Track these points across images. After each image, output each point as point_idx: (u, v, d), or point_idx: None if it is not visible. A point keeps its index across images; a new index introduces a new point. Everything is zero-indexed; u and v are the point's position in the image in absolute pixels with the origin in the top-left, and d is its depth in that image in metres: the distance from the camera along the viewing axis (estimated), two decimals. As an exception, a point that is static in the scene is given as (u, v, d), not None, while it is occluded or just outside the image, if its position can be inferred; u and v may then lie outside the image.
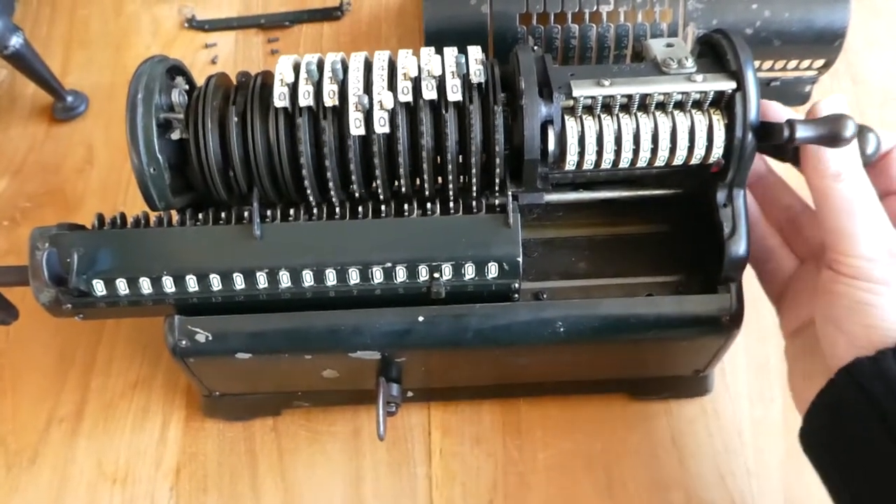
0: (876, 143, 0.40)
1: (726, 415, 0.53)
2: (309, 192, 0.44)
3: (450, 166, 0.43)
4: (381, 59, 0.44)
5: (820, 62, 0.60)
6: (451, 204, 0.44)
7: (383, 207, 0.44)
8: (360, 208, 0.44)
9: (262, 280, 0.43)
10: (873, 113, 0.65)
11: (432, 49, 0.44)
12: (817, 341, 0.40)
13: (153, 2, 0.74)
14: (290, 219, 0.44)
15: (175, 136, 0.44)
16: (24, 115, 0.69)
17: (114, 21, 0.74)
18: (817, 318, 0.40)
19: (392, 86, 0.43)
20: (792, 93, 0.63)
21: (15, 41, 0.61)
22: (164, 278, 0.43)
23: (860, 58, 0.67)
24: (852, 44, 0.64)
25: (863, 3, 0.66)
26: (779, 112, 0.42)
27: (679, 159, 0.42)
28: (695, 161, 0.43)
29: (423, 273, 0.43)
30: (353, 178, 0.43)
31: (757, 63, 0.59)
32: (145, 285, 0.43)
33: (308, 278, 0.43)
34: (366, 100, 0.42)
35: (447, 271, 0.43)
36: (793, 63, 0.60)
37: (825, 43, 0.59)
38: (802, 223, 0.45)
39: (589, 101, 0.41)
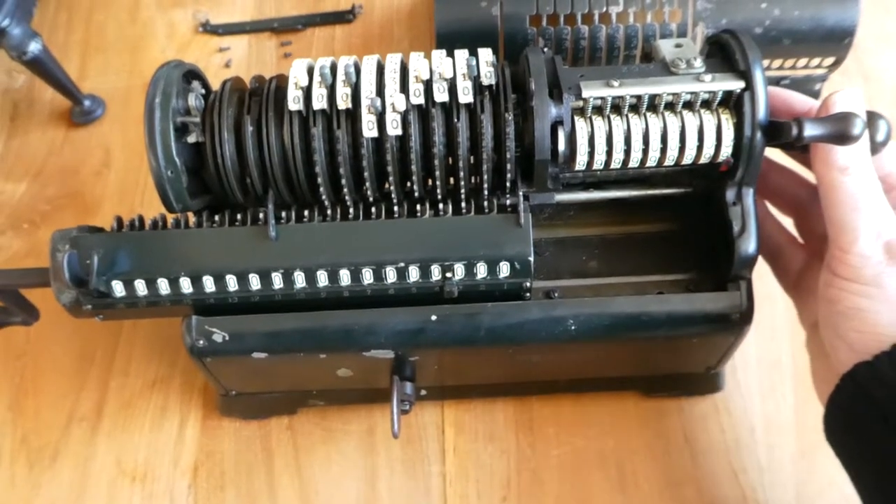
0: (886, 131, 0.40)
1: (738, 412, 0.54)
2: (323, 193, 0.44)
3: (461, 167, 0.43)
4: (392, 62, 0.44)
5: (830, 60, 0.60)
6: (463, 204, 0.44)
7: (396, 208, 0.45)
8: (373, 209, 0.45)
9: (277, 280, 0.44)
10: (884, 111, 0.64)
11: (443, 52, 0.45)
12: None
13: (168, 6, 0.75)
14: (305, 220, 0.45)
15: (192, 139, 0.44)
16: (42, 119, 0.70)
17: (129, 26, 0.75)
18: (819, 322, 0.41)
19: (404, 88, 0.43)
20: (802, 91, 0.62)
21: (34, 47, 0.62)
22: (181, 279, 0.44)
23: (871, 55, 0.67)
24: (862, 41, 0.64)
25: (873, 0, 0.66)
26: (796, 101, 0.43)
27: (688, 159, 0.43)
28: (704, 160, 0.43)
29: (436, 273, 0.43)
30: (367, 179, 0.44)
31: (766, 62, 0.60)
32: (163, 286, 0.44)
33: (322, 278, 0.44)
34: (378, 102, 0.42)
35: (459, 271, 0.43)
36: (802, 61, 0.60)
37: (835, 41, 0.59)
38: (811, 213, 0.45)
39: (598, 102, 0.42)
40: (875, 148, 0.40)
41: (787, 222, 0.48)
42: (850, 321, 0.38)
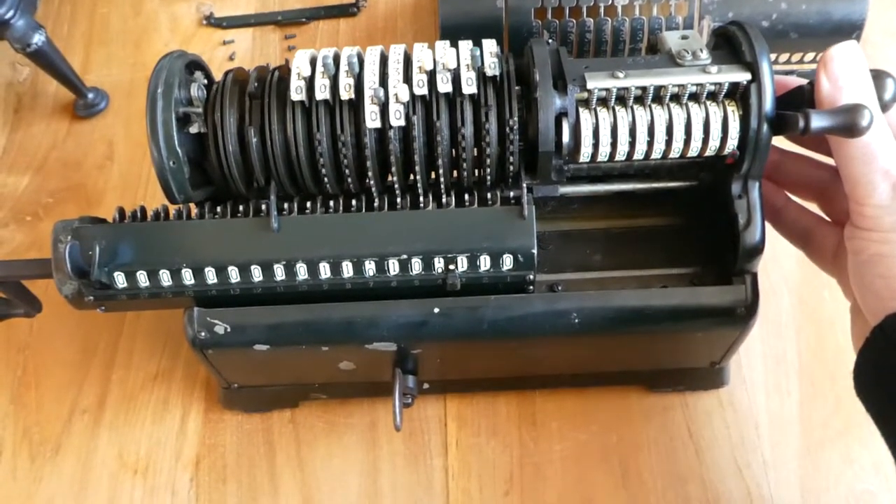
0: (894, 89, 0.40)
1: (743, 407, 0.53)
2: (326, 184, 0.44)
3: (465, 158, 0.43)
4: (396, 53, 0.44)
5: (837, 54, 0.60)
6: (467, 196, 0.44)
7: (399, 200, 0.44)
8: (376, 201, 0.44)
9: (279, 272, 0.43)
10: (892, 105, 0.64)
11: (447, 42, 0.45)
12: None
13: (172, -1, 0.75)
14: (307, 211, 0.44)
15: (194, 130, 0.44)
16: (46, 112, 0.70)
17: (133, 19, 0.75)
18: (850, 278, 0.41)
19: (408, 79, 0.43)
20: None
21: (37, 39, 0.62)
22: (183, 271, 0.43)
23: (878, 49, 0.66)
24: (870, 35, 0.63)
25: (881, -5, 0.66)
26: (793, 84, 0.43)
27: (694, 151, 0.42)
28: (710, 153, 0.43)
29: (439, 265, 0.43)
30: (369, 170, 0.44)
31: (773, 56, 0.59)
32: (165, 277, 0.44)
33: (325, 270, 0.43)
34: (381, 93, 0.42)
35: (462, 263, 0.43)
36: (810, 55, 0.60)
37: (843, 35, 0.58)
38: (835, 193, 0.45)
39: (603, 94, 0.41)
40: (884, 106, 0.39)
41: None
42: (875, 267, 0.38)
